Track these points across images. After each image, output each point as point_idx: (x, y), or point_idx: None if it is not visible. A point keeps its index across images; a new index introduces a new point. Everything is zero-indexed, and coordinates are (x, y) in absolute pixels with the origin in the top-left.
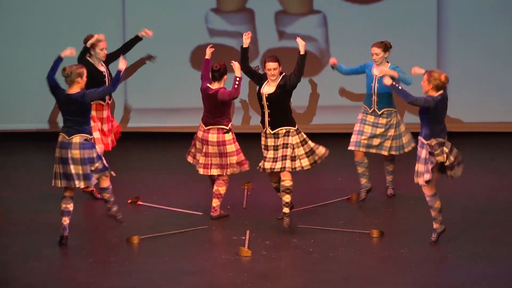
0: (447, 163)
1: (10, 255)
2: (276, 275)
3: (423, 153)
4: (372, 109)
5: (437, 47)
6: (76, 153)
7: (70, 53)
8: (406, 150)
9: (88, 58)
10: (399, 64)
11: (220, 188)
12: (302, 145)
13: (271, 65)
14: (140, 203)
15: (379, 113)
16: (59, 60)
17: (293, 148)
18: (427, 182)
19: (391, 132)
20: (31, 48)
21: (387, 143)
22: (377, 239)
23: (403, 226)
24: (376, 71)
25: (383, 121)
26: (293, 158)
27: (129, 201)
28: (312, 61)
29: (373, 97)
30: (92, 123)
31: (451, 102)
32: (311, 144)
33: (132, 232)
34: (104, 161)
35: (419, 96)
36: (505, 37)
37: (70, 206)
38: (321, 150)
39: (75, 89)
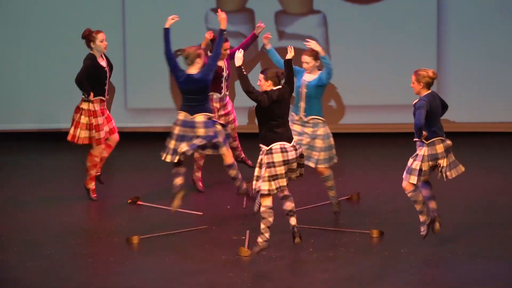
0: (445, 164)
1: (10, 255)
2: (276, 275)
3: (422, 151)
4: (299, 116)
5: (437, 47)
6: (201, 131)
7: (172, 19)
8: (335, 160)
9: (91, 52)
10: (399, 64)
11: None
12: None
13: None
14: (140, 203)
15: (305, 120)
16: (167, 31)
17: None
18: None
19: (319, 144)
20: (31, 48)
21: (315, 155)
22: (377, 239)
23: (403, 226)
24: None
25: (308, 130)
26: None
27: (129, 201)
28: None
29: (301, 103)
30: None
31: (451, 102)
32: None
33: (132, 232)
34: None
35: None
36: (505, 37)
37: (183, 177)
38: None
39: (194, 70)
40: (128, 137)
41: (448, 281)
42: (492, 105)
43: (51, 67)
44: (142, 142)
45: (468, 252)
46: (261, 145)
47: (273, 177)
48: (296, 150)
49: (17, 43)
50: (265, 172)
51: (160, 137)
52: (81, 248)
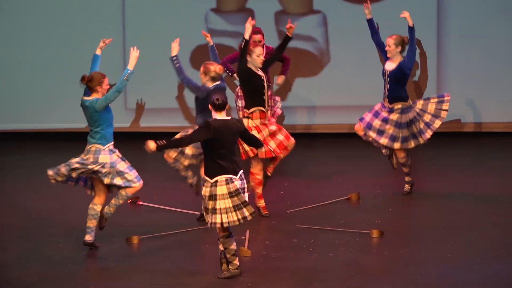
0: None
1: (10, 255)
2: (276, 275)
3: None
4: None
5: (437, 47)
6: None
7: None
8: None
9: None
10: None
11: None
12: None
13: None
14: (140, 203)
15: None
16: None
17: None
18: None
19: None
20: (31, 49)
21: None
22: (377, 239)
23: (403, 226)
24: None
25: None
26: None
27: (129, 201)
28: (312, 61)
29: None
30: None
31: (451, 102)
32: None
33: (132, 232)
34: None
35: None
36: (505, 37)
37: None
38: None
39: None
40: (128, 137)
41: (448, 281)
42: (492, 105)
43: (51, 67)
44: (142, 142)
45: (468, 252)
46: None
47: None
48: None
49: (17, 43)
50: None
51: (160, 137)
52: (81, 248)
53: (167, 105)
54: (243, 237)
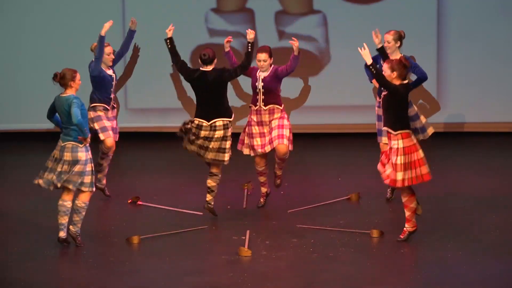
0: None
1: (10, 255)
2: (276, 275)
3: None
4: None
5: (437, 47)
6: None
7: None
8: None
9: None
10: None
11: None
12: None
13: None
14: (140, 203)
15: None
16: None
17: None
18: None
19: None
20: (31, 49)
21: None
22: (377, 239)
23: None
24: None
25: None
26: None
27: (129, 201)
28: (312, 61)
29: None
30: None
31: (451, 102)
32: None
33: (132, 232)
34: None
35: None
36: (505, 37)
37: None
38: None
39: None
40: (128, 137)
41: (448, 281)
42: (492, 105)
43: (51, 67)
44: (142, 142)
45: (468, 252)
46: None
47: None
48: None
49: (17, 43)
50: None
51: (160, 137)
52: (81, 248)
53: (167, 105)
54: (243, 237)
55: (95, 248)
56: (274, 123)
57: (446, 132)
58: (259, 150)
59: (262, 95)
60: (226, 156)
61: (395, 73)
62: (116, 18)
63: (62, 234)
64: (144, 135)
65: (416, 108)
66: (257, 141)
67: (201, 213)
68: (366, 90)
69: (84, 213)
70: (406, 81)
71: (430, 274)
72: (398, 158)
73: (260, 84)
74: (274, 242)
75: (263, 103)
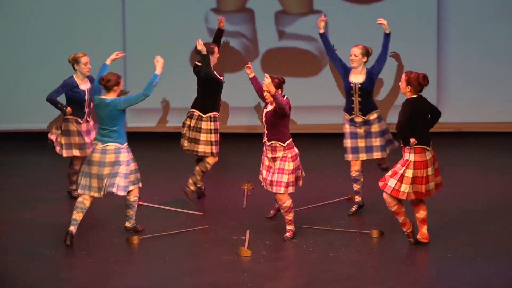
0: None
1: (10, 255)
2: (276, 275)
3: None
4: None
5: (437, 47)
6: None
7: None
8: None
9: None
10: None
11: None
12: None
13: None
14: (140, 203)
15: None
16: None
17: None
18: None
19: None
20: (32, 48)
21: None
22: (377, 239)
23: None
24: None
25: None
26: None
27: None
28: (312, 61)
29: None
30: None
31: (451, 102)
32: None
33: (132, 232)
34: None
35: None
36: (505, 37)
37: None
38: None
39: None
40: (128, 137)
41: (448, 281)
42: (492, 105)
43: (51, 67)
44: (142, 142)
45: (468, 252)
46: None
47: None
48: None
49: (17, 43)
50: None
51: (160, 137)
52: (81, 248)
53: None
54: (243, 237)
55: (95, 248)
56: (276, 164)
57: (445, 132)
58: (263, 184)
59: (266, 129)
60: (201, 148)
61: (409, 87)
62: (116, 18)
63: (73, 229)
64: (144, 135)
65: (385, 125)
66: (263, 174)
67: (201, 213)
68: None
69: (136, 206)
70: (416, 96)
71: (430, 274)
72: (407, 171)
73: (263, 119)
74: (274, 242)
75: (267, 138)
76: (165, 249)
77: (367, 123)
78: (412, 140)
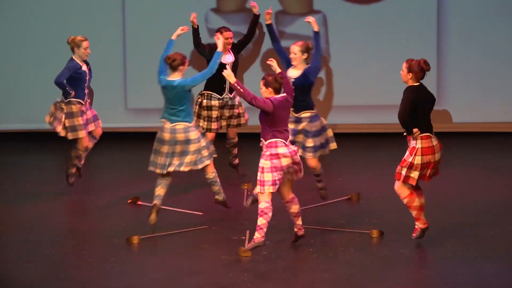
0: None
1: (10, 255)
2: (276, 275)
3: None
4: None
5: (437, 47)
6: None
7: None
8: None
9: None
10: (399, 64)
11: None
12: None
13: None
14: (140, 203)
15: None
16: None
17: None
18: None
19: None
20: (32, 48)
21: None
22: (377, 239)
23: (403, 226)
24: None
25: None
26: None
27: (129, 201)
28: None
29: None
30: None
31: (451, 102)
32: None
33: (132, 232)
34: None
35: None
36: (505, 38)
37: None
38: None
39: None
40: (128, 137)
41: (448, 281)
42: (492, 105)
43: (51, 67)
44: (142, 142)
45: (468, 252)
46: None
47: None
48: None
49: (17, 43)
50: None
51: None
52: (81, 248)
53: None
54: (243, 237)
55: (95, 248)
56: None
57: (445, 132)
58: None
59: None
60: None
61: (411, 75)
62: (116, 18)
63: (159, 202)
64: (144, 135)
65: (324, 121)
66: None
67: (201, 213)
68: (366, 90)
69: (218, 180)
70: (417, 84)
71: (430, 274)
72: (416, 158)
73: None
74: (274, 242)
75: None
76: (165, 249)
77: (298, 120)
78: (415, 130)
